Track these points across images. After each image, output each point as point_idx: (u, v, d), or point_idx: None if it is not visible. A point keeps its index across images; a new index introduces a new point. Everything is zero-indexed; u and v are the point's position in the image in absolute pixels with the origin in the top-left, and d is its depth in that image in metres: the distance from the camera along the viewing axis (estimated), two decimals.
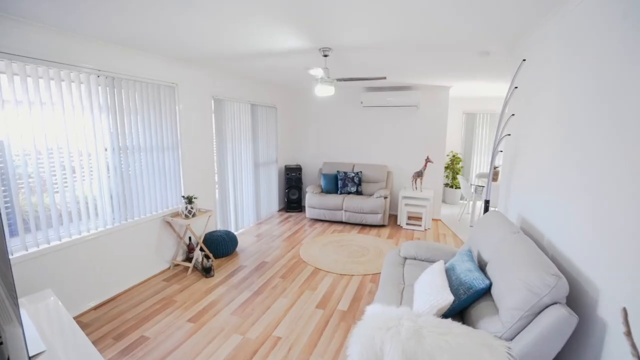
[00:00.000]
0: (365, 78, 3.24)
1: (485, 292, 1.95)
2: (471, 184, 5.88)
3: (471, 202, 5.76)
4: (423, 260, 2.90)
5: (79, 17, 2.25)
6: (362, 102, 5.84)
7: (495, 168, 5.91)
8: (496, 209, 3.25)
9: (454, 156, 7.27)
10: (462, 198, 7.32)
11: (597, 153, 1.51)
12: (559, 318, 1.41)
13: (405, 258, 2.98)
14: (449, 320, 1.70)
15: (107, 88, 2.96)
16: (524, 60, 2.44)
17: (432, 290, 1.95)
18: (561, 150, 1.88)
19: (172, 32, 2.60)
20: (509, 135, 2.77)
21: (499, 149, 2.92)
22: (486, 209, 3.23)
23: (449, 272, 2.17)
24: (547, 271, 1.54)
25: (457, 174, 7.10)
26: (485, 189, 3.55)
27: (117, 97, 3.05)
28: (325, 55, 3.14)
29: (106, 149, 3.00)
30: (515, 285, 1.64)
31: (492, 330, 1.65)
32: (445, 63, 3.64)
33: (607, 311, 1.40)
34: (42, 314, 2.08)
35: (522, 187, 2.55)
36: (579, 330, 1.54)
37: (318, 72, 3.11)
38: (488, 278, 1.99)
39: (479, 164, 7.39)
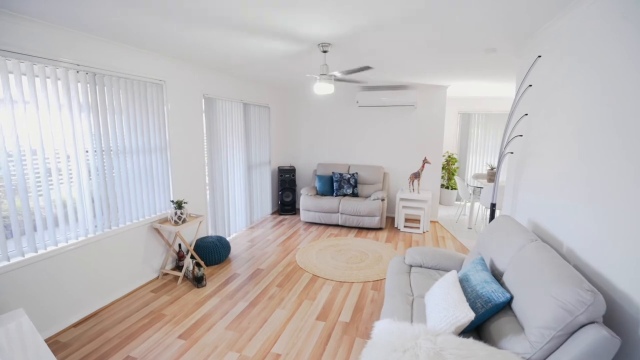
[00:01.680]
0: (353, 70, 2.93)
1: (504, 306, 1.80)
2: (468, 185, 5.78)
3: (469, 204, 5.66)
4: (430, 268, 2.75)
5: (55, 3, 2.02)
6: (357, 102, 5.67)
7: (491, 169, 5.86)
8: (500, 212, 3.14)
9: (449, 157, 7.19)
10: (458, 199, 7.24)
11: (626, 154, 1.38)
12: (598, 340, 1.26)
13: (411, 265, 2.82)
14: (471, 340, 1.54)
15: (88, 85, 2.71)
16: (539, 56, 2.31)
17: (449, 305, 1.79)
18: (586, 150, 1.75)
19: (166, 28, 2.39)
20: (521, 136, 2.64)
21: (509, 151, 2.79)
22: (492, 213, 3.10)
23: (463, 283, 2.02)
24: (581, 286, 1.39)
25: (453, 174, 7.02)
26: (492, 191, 3.43)
27: (100, 94, 2.81)
28: (325, 51, 2.96)
29: (87, 151, 2.76)
30: (544, 301, 1.49)
31: (519, 351, 1.50)
32: (447, 61, 3.50)
33: None
34: (12, 338, 1.85)
35: (534, 189, 2.42)
36: (618, 353, 1.40)
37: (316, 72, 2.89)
38: (507, 290, 1.84)
39: (475, 165, 7.32)
